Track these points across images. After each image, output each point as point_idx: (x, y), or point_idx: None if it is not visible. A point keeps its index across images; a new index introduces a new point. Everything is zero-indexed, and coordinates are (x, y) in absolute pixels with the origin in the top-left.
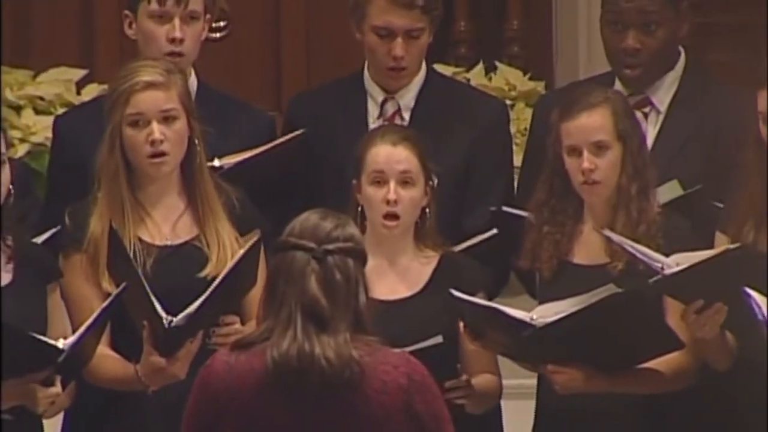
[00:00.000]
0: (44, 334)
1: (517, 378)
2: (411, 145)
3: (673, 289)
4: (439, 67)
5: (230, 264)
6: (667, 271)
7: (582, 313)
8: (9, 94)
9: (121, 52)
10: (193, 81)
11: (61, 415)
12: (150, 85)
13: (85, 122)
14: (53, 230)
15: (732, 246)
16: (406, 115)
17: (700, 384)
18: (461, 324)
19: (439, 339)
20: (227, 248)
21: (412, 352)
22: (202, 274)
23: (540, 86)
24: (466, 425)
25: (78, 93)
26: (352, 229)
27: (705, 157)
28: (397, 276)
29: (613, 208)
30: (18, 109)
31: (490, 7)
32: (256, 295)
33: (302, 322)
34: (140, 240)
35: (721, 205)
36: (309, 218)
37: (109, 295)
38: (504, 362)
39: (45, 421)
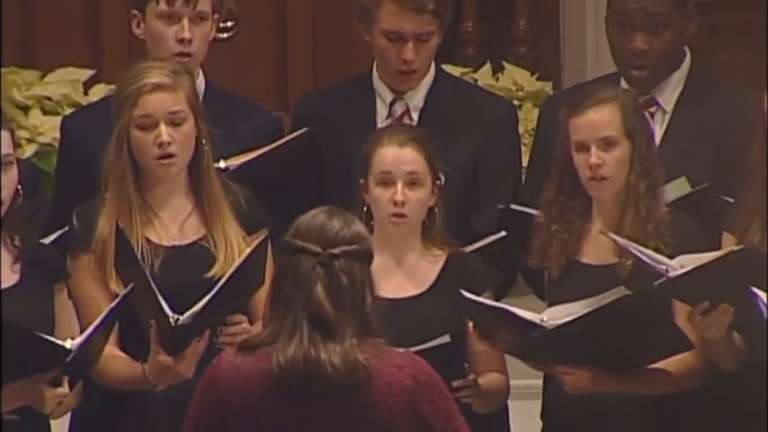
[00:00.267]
0: (51, 335)
1: (523, 378)
2: (418, 145)
3: (678, 291)
4: (446, 68)
5: (237, 263)
6: (672, 274)
7: (592, 315)
8: (16, 95)
9: (129, 53)
10: (200, 81)
11: (68, 416)
12: (158, 87)
13: (92, 123)
14: (61, 231)
15: (736, 248)
16: (415, 116)
17: (708, 385)
18: (470, 324)
19: (446, 339)
20: (234, 248)
21: (419, 352)
22: (210, 274)
23: (547, 86)
24: (473, 425)
25: (85, 93)
26: (358, 227)
27: (711, 157)
28: (404, 275)
29: (621, 207)
30: (25, 109)
31: (498, 8)
32: (263, 294)
33: (308, 328)
34: (148, 240)
35: (731, 200)
36: (315, 218)
37: (116, 295)
38: (510, 362)
39: (52, 422)
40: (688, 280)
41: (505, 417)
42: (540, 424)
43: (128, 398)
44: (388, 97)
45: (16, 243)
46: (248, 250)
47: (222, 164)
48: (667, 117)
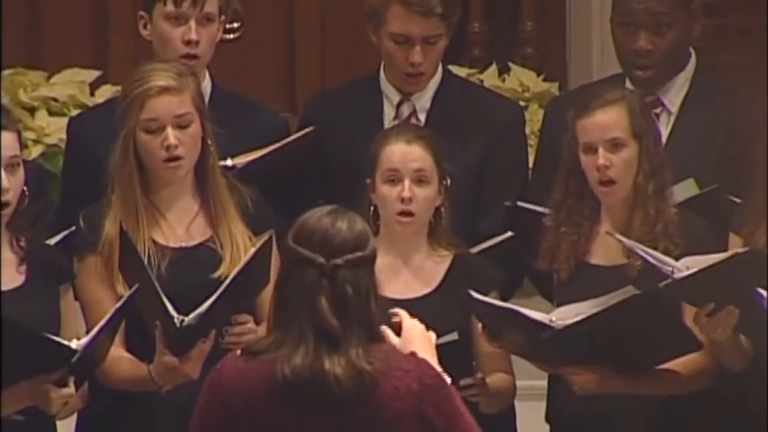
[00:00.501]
0: (57, 335)
1: (529, 379)
2: (425, 143)
3: (684, 292)
4: (452, 69)
5: (241, 263)
6: (677, 275)
7: (601, 316)
8: (23, 96)
9: (135, 54)
10: (207, 83)
11: (73, 417)
12: (164, 90)
13: (99, 124)
14: (67, 232)
15: (742, 249)
16: (422, 117)
17: (716, 386)
18: (480, 325)
19: (454, 336)
20: (240, 248)
21: None
22: (216, 274)
23: (553, 87)
24: (480, 426)
25: (92, 94)
26: (360, 228)
27: (716, 158)
28: (410, 274)
29: (630, 208)
30: (32, 110)
31: (504, 9)
32: (268, 294)
33: (314, 339)
34: (154, 242)
35: (738, 200)
36: (319, 223)
37: (122, 297)
38: (516, 363)
39: (58, 423)
40: (694, 281)
41: (512, 418)
42: (544, 425)
43: (134, 399)
44: (396, 98)
45: (22, 244)
46: (252, 251)
47: (229, 162)
48: (672, 118)
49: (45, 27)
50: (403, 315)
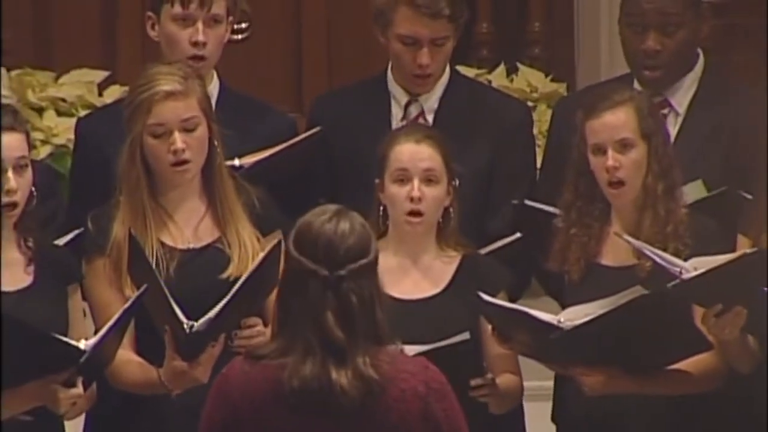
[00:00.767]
0: (65, 336)
1: (537, 380)
2: (434, 143)
3: (692, 293)
4: (461, 69)
5: (251, 268)
6: (686, 276)
7: (610, 316)
8: (31, 96)
9: (144, 54)
10: (215, 84)
11: (81, 417)
12: (170, 95)
13: (107, 124)
14: (75, 232)
15: (750, 250)
16: (430, 118)
17: (725, 387)
18: (490, 327)
19: (466, 336)
20: (248, 248)
21: (438, 349)
22: (224, 275)
23: (561, 88)
24: (489, 426)
25: (100, 95)
26: (362, 230)
27: (724, 159)
28: (419, 275)
29: (639, 209)
30: (40, 110)
31: (512, 9)
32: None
33: (321, 351)
34: (162, 244)
35: (750, 196)
36: (321, 232)
37: None
38: (523, 364)
39: (66, 423)
40: (702, 282)
41: (521, 418)
42: (551, 425)
43: (143, 401)
44: (403, 99)
45: (30, 244)
46: (261, 256)
47: (236, 162)
48: (680, 119)
49: (53, 27)
50: None
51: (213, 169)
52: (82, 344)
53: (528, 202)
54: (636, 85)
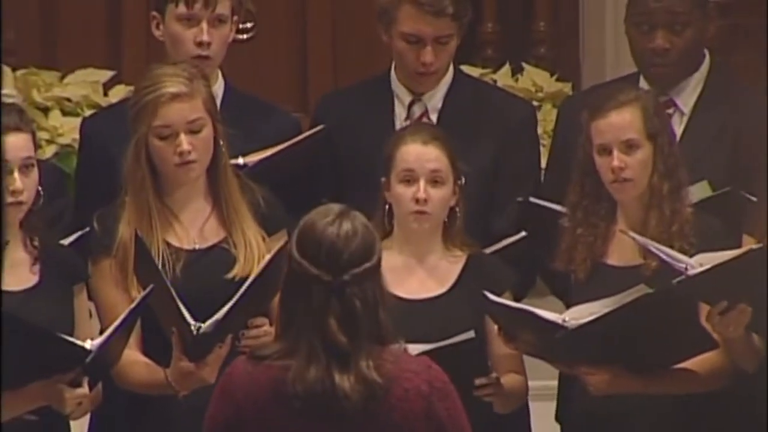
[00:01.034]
0: (71, 336)
1: (542, 379)
2: (441, 144)
3: (697, 289)
4: (466, 69)
5: (258, 270)
6: (691, 272)
7: (614, 314)
8: (36, 96)
9: (148, 54)
10: (219, 83)
11: (86, 418)
12: (175, 97)
13: (112, 124)
14: (80, 232)
15: (755, 246)
16: (434, 117)
17: (731, 386)
18: (496, 327)
19: (471, 334)
20: (254, 248)
21: (443, 347)
22: (230, 275)
23: (567, 87)
24: (494, 425)
25: (105, 94)
26: (365, 231)
27: (729, 159)
28: (425, 274)
29: (645, 208)
30: (45, 110)
31: (518, 9)
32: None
33: (324, 356)
34: (168, 245)
35: (753, 198)
36: (324, 236)
37: None
38: (528, 363)
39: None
40: (707, 278)
41: (526, 418)
42: (556, 425)
43: (149, 402)
44: (407, 98)
45: (36, 244)
46: (268, 257)
47: (240, 161)
48: (685, 119)
49: (58, 27)
50: None
51: (218, 169)
52: (88, 344)
53: (533, 200)
54: (642, 84)
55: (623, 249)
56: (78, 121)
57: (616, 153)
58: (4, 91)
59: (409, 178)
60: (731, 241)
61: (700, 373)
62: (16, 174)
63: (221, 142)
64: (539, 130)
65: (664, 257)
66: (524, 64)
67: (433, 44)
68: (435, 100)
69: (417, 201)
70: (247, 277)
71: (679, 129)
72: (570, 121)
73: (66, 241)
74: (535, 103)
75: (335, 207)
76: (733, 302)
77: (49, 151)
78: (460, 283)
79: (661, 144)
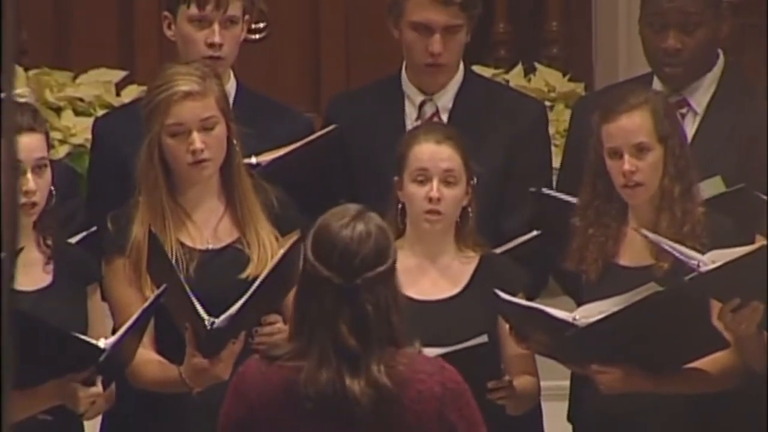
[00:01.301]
0: (84, 335)
1: (554, 380)
2: (455, 143)
3: (709, 286)
4: (478, 69)
5: (270, 265)
6: (703, 269)
7: (625, 313)
8: (49, 96)
9: (161, 54)
10: (231, 83)
11: (98, 418)
12: (188, 95)
13: (124, 124)
14: (88, 231)
15: None
16: (444, 117)
17: (743, 386)
18: (507, 327)
19: (484, 338)
20: (267, 248)
21: (456, 351)
22: (243, 275)
23: (579, 87)
24: (507, 426)
25: (118, 94)
26: (381, 234)
27: (741, 159)
28: (438, 275)
29: (656, 210)
30: (58, 110)
31: (530, 9)
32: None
33: (336, 359)
34: (182, 244)
35: (766, 197)
36: (338, 238)
37: None
38: (541, 363)
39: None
40: (719, 275)
41: (539, 418)
42: (568, 425)
43: (163, 399)
44: (418, 98)
45: (49, 243)
46: (281, 252)
47: (253, 160)
48: (698, 118)
49: (71, 27)
50: None
51: (232, 168)
52: (102, 343)
53: (545, 190)
54: (656, 84)
55: (635, 249)
56: (91, 121)
57: (627, 157)
58: (17, 91)
59: (423, 178)
60: (743, 240)
61: (711, 372)
62: (29, 174)
63: (235, 142)
64: (551, 130)
65: (677, 254)
66: (537, 65)
67: (442, 33)
68: (445, 99)
69: (430, 200)
70: None
71: (692, 129)
72: (584, 121)
73: (73, 240)
74: (547, 104)
75: (352, 208)
76: (746, 299)
77: (61, 152)
78: (472, 284)
79: (672, 146)
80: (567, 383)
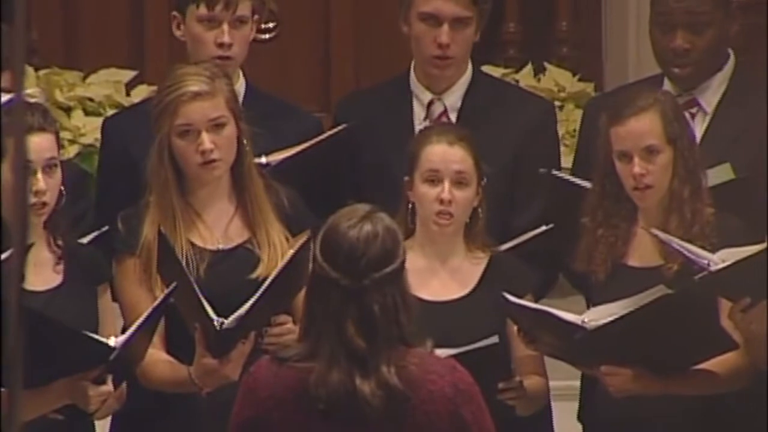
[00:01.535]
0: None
1: (565, 379)
2: (466, 145)
3: (719, 285)
4: (488, 69)
5: (280, 265)
6: (713, 268)
7: (634, 315)
8: (59, 96)
9: (171, 54)
10: (241, 84)
11: (108, 419)
12: (197, 96)
13: (134, 124)
14: (98, 232)
15: None
16: (453, 116)
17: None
18: (515, 328)
19: (495, 339)
20: (278, 248)
21: (467, 352)
22: (254, 275)
23: (589, 87)
24: (518, 426)
25: (127, 94)
26: (388, 234)
27: (751, 159)
28: (448, 276)
29: (666, 211)
30: (68, 110)
31: (540, 9)
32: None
33: (345, 360)
34: (192, 245)
35: None
36: (345, 239)
37: None
38: (552, 363)
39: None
40: (729, 274)
41: (549, 418)
42: (578, 425)
43: (173, 399)
44: (426, 98)
45: (60, 244)
46: (291, 252)
47: (263, 159)
48: (708, 118)
49: (81, 27)
50: None
51: (243, 168)
52: (112, 341)
53: (555, 172)
54: (666, 85)
55: (644, 250)
56: (100, 121)
57: (636, 160)
58: (27, 91)
59: (434, 179)
60: (752, 240)
61: (719, 373)
62: (39, 174)
63: (245, 142)
64: (561, 131)
65: (688, 254)
66: (546, 64)
67: (451, 25)
68: (454, 99)
69: (441, 202)
70: None
71: (701, 128)
72: (595, 122)
73: (86, 239)
74: (557, 104)
75: (361, 208)
76: (756, 299)
77: (71, 151)
78: (482, 285)
79: (681, 147)
80: (577, 383)
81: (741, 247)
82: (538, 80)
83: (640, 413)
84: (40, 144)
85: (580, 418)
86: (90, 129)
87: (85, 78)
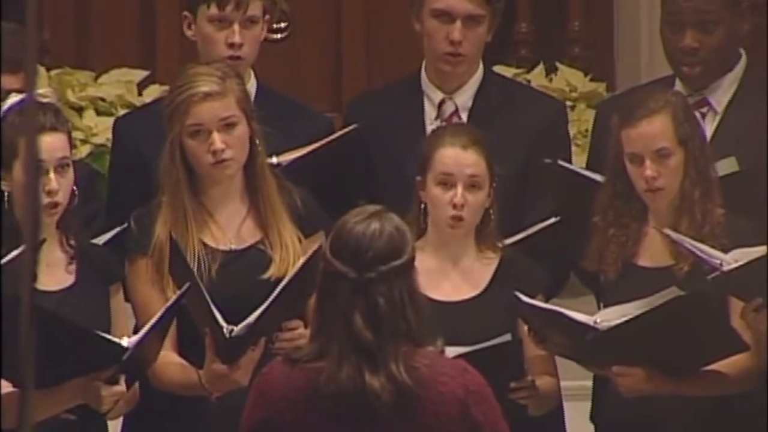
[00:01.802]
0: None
1: (577, 379)
2: (480, 148)
3: (732, 285)
4: (499, 69)
5: (291, 273)
6: (725, 268)
7: (646, 317)
8: (70, 96)
9: (182, 54)
10: (252, 84)
11: (119, 420)
12: (207, 96)
13: (145, 124)
14: (114, 231)
15: None
16: (464, 116)
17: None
18: (526, 328)
19: (507, 338)
20: (290, 249)
21: (479, 350)
22: (266, 276)
23: (601, 87)
24: (530, 426)
25: (139, 94)
26: (396, 232)
27: (760, 158)
28: (459, 277)
29: (677, 211)
30: (80, 110)
31: (552, 9)
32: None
33: (355, 356)
34: (205, 245)
35: None
36: (351, 234)
37: None
38: (564, 363)
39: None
40: (742, 274)
41: (561, 418)
42: (590, 425)
43: (183, 400)
44: (437, 97)
45: (72, 244)
46: (302, 260)
47: (274, 160)
48: (718, 118)
49: (93, 27)
50: None
51: (255, 168)
52: (125, 341)
53: (561, 163)
54: (678, 85)
55: (654, 250)
56: (112, 120)
57: (648, 163)
58: (39, 91)
59: (447, 182)
60: (762, 241)
61: (730, 374)
62: (51, 174)
63: (258, 141)
64: (573, 131)
65: (699, 254)
66: (558, 64)
67: (464, 22)
68: (465, 98)
69: (454, 206)
70: (282, 278)
71: (711, 128)
72: (607, 123)
73: (102, 240)
74: (569, 104)
75: (371, 208)
76: None
77: (83, 151)
78: (493, 286)
79: (692, 148)
80: (589, 383)
81: (752, 248)
82: (550, 80)
83: (652, 413)
84: (52, 144)
85: (592, 418)
86: (102, 129)
87: (96, 78)
